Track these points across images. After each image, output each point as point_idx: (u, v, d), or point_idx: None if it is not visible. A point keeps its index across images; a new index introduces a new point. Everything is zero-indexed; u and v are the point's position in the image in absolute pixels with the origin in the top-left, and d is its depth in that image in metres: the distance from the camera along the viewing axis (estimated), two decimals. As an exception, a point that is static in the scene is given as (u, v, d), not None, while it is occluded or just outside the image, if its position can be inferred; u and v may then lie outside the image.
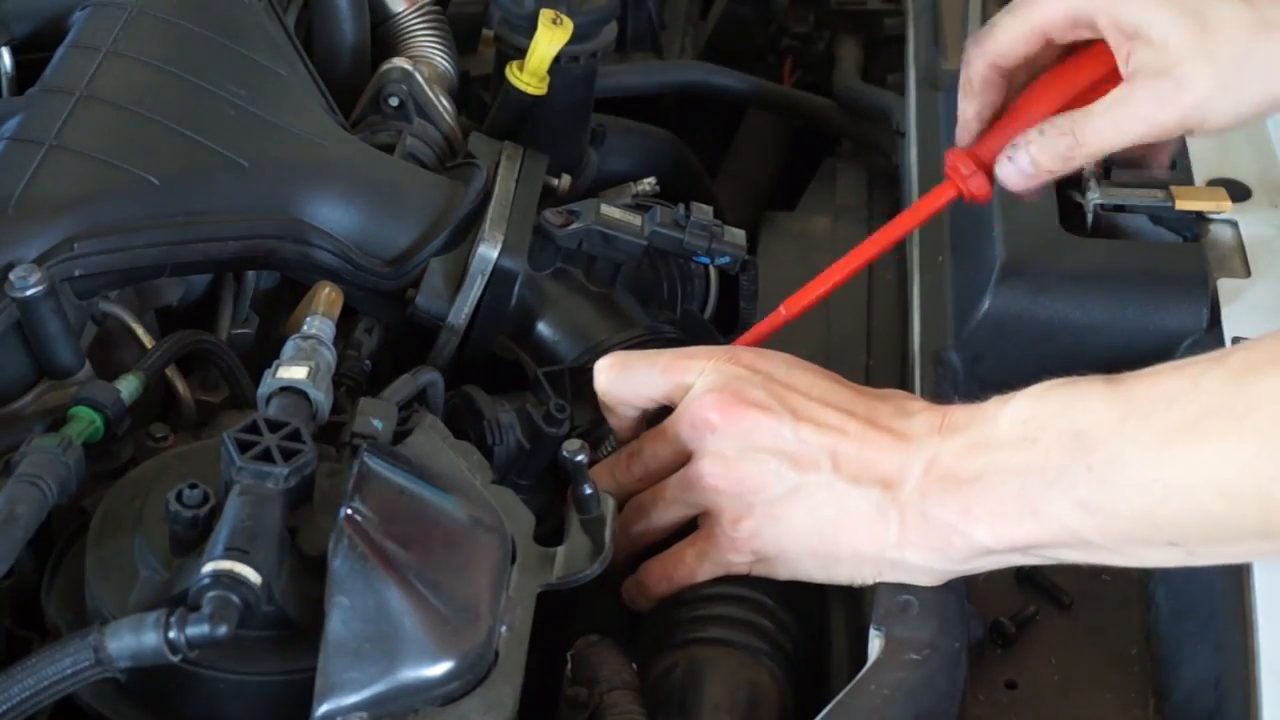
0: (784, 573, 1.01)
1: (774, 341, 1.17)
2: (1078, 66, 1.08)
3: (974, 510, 0.92)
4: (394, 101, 1.28)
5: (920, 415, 0.98)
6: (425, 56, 1.38)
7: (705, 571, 1.02)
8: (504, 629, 0.90)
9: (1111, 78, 1.05)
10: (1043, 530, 0.90)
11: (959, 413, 0.96)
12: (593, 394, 1.14)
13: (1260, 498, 0.82)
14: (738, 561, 1.01)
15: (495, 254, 1.14)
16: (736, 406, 1.00)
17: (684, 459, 1.03)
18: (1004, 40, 1.08)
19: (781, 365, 1.03)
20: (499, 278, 1.14)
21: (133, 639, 0.81)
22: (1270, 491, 0.81)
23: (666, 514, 1.04)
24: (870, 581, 0.98)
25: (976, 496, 0.92)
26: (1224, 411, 0.83)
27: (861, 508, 0.97)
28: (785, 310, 1.13)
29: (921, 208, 1.13)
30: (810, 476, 0.98)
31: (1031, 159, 1.05)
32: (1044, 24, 1.07)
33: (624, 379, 1.06)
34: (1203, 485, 0.84)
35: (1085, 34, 1.06)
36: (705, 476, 1.01)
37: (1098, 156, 1.07)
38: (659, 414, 1.06)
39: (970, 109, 1.11)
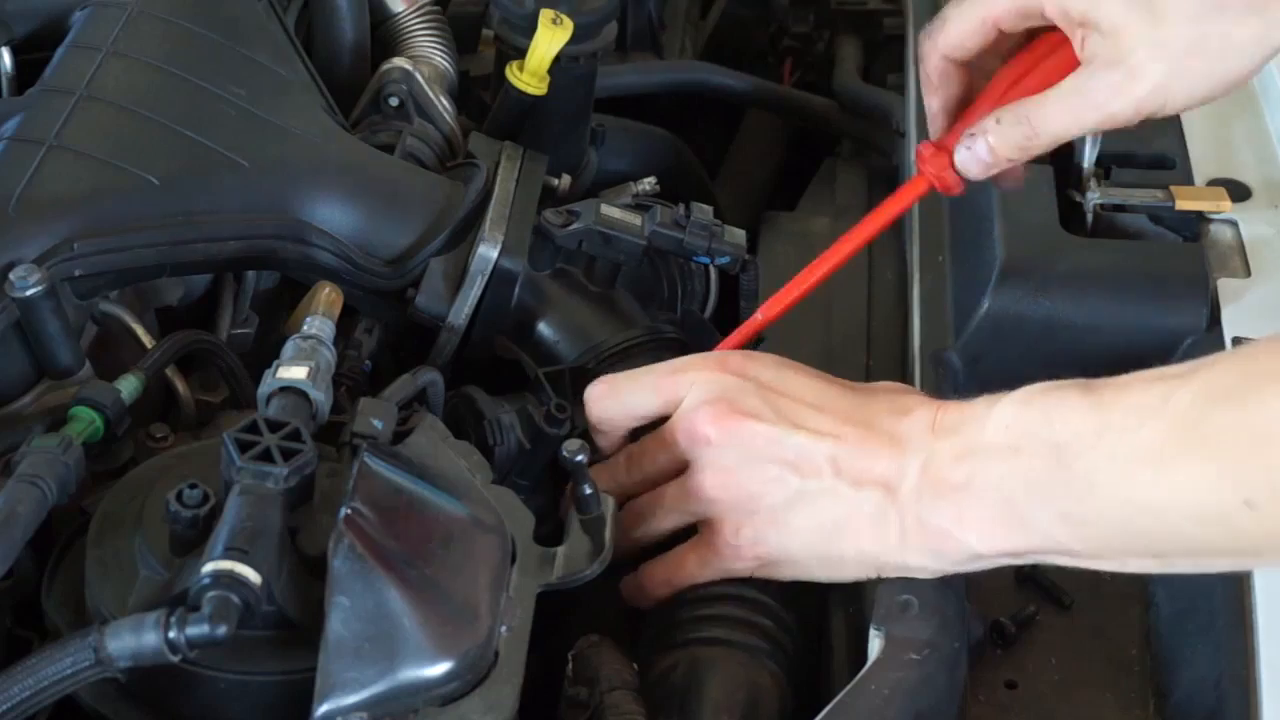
0: (788, 575, 1.01)
1: (775, 343, 1.17)
2: (1040, 52, 1.07)
3: (965, 517, 0.93)
4: (394, 101, 1.28)
5: (914, 414, 0.98)
6: (425, 56, 1.38)
7: (707, 576, 1.02)
8: (504, 629, 0.90)
9: (1072, 61, 1.03)
10: (1030, 539, 0.91)
11: (951, 412, 0.97)
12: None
13: (1224, 522, 0.83)
14: (740, 568, 1.01)
15: (495, 254, 1.13)
16: (731, 418, 1.00)
17: (682, 466, 1.03)
18: (954, 33, 1.08)
19: (771, 368, 1.03)
20: (499, 278, 1.14)
21: (133, 639, 0.81)
22: (1233, 517, 0.82)
23: (665, 521, 1.04)
24: (873, 577, 0.98)
25: (967, 504, 0.93)
26: (1188, 436, 0.84)
27: (864, 510, 0.97)
28: (763, 314, 1.13)
29: (894, 203, 1.13)
30: (812, 482, 0.98)
31: (989, 147, 1.05)
32: (992, 15, 1.06)
33: (617, 403, 1.06)
34: (1172, 507, 0.85)
35: (1036, 22, 1.05)
36: (706, 488, 1.01)
37: (1055, 144, 1.06)
38: (646, 428, 1.06)
39: (934, 103, 1.11)
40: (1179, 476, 0.84)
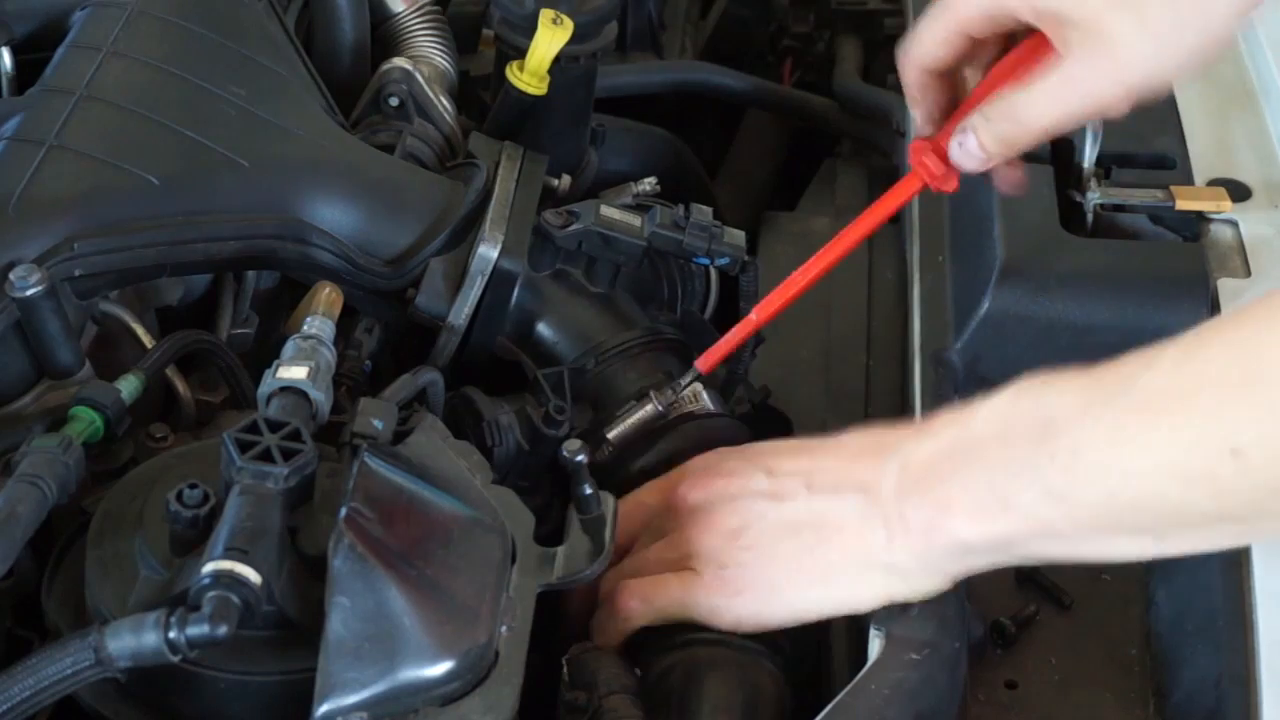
0: (779, 608, 0.98)
1: (775, 343, 1.16)
2: (1025, 51, 1.05)
3: (950, 505, 0.91)
4: (394, 101, 1.28)
5: (895, 430, 0.98)
6: (425, 56, 1.38)
7: (687, 604, 0.99)
8: (504, 629, 0.90)
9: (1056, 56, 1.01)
10: (1016, 522, 0.89)
11: (939, 418, 0.96)
12: (592, 394, 1.14)
13: (1209, 477, 0.81)
14: (722, 603, 0.98)
15: (495, 254, 1.13)
16: (708, 480, 1.02)
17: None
18: (926, 44, 1.07)
19: (753, 445, 1.06)
20: (499, 278, 1.14)
21: (133, 639, 0.81)
22: (1218, 471, 0.80)
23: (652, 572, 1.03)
24: (873, 600, 0.96)
25: (952, 491, 0.91)
26: (1172, 391, 0.83)
27: (844, 514, 0.96)
28: (756, 315, 1.12)
29: (888, 200, 1.12)
30: (787, 504, 0.98)
31: (979, 144, 1.04)
32: (961, 24, 1.05)
33: (637, 511, 1.06)
34: (1156, 468, 0.83)
35: (1008, 25, 1.04)
36: (689, 539, 1.00)
37: (1044, 138, 1.04)
38: None
39: (918, 114, 1.10)
40: (1162, 432, 0.83)
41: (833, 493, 0.97)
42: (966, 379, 1.14)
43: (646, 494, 1.07)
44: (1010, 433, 0.90)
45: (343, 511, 0.85)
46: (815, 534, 0.97)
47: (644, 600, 1.00)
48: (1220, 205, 1.19)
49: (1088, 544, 0.90)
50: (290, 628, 0.86)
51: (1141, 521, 0.86)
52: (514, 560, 0.94)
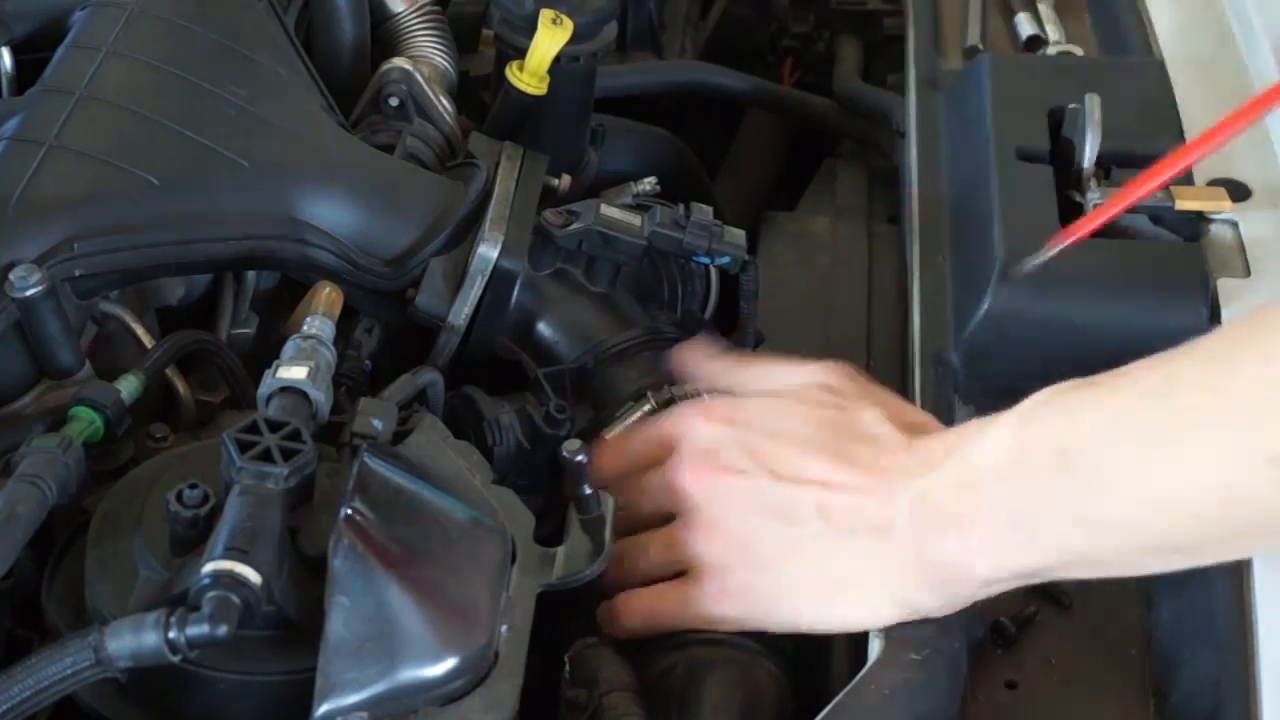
0: (783, 620, 0.98)
1: (775, 344, 1.16)
2: None
3: (969, 544, 0.90)
4: (394, 101, 1.28)
5: (904, 450, 0.96)
6: (425, 56, 1.38)
7: (688, 618, 0.99)
8: (504, 629, 0.90)
9: None
10: (1044, 553, 0.89)
11: (936, 443, 0.95)
12: (593, 393, 1.14)
13: (1248, 489, 0.81)
14: (724, 614, 0.98)
15: (495, 254, 1.13)
16: (712, 475, 0.99)
17: (669, 516, 1.02)
18: None
19: (758, 412, 1.02)
20: (499, 278, 1.14)
21: (133, 639, 0.81)
22: (1256, 482, 0.80)
23: (651, 569, 1.02)
24: (881, 625, 0.95)
25: (969, 530, 0.90)
26: (1198, 404, 0.82)
27: (859, 551, 0.95)
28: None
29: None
30: (801, 530, 0.96)
31: None
32: None
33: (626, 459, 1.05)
34: (1192, 489, 0.83)
35: None
36: (692, 542, 0.99)
37: None
38: None
39: None
40: (1195, 450, 0.82)
41: (847, 534, 0.95)
42: (966, 379, 1.14)
43: (638, 442, 1.06)
44: (1026, 462, 0.88)
45: (343, 511, 0.85)
46: (827, 560, 0.96)
47: (646, 619, 1.00)
48: (1220, 205, 1.19)
49: (1118, 567, 0.89)
50: (290, 628, 0.86)
51: (1176, 542, 0.86)
52: (514, 560, 0.94)
